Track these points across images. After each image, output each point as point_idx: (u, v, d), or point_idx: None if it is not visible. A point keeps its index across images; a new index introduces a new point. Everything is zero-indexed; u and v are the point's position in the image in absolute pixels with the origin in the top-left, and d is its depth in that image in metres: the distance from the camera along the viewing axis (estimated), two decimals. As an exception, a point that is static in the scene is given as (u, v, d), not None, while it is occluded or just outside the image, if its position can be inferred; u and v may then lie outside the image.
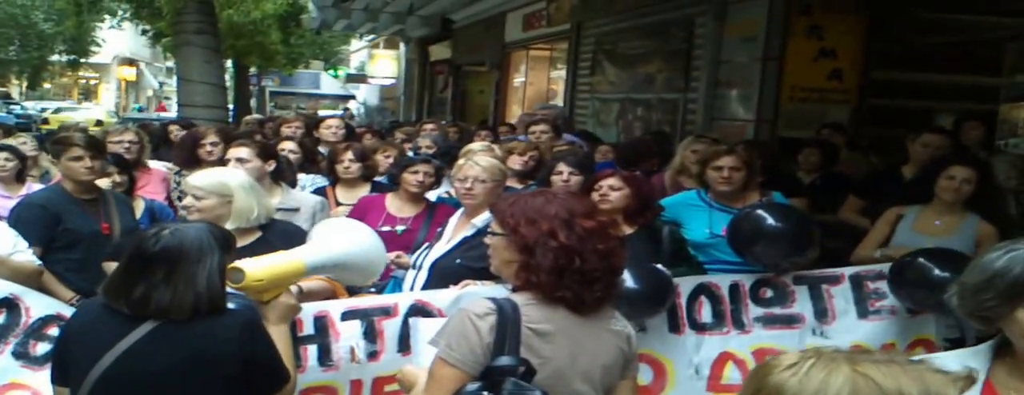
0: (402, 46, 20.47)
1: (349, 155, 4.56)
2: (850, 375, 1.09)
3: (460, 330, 1.83)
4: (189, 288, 1.95)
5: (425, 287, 3.10)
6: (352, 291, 3.65)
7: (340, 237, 2.53)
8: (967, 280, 1.55)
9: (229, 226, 2.93)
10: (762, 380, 1.16)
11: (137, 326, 1.94)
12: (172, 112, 26.82)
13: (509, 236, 1.92)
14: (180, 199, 4.51)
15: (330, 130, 5.91)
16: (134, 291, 1.95)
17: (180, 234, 2.00)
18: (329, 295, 2.89)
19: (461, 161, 3.50)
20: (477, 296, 2.35)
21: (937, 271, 2.91)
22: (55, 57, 30.89)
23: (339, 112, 21.22)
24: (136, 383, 1.94)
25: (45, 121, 23.41)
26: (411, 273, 3.28)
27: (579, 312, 1.88)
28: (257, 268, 2.23)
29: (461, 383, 1.78)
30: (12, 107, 27.48)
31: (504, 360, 1.77)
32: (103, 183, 3.79)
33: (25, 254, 3.13)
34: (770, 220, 3.19)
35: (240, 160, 3.85)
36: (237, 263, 2.19)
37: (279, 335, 2.21)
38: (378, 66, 23.84)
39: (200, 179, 3.00)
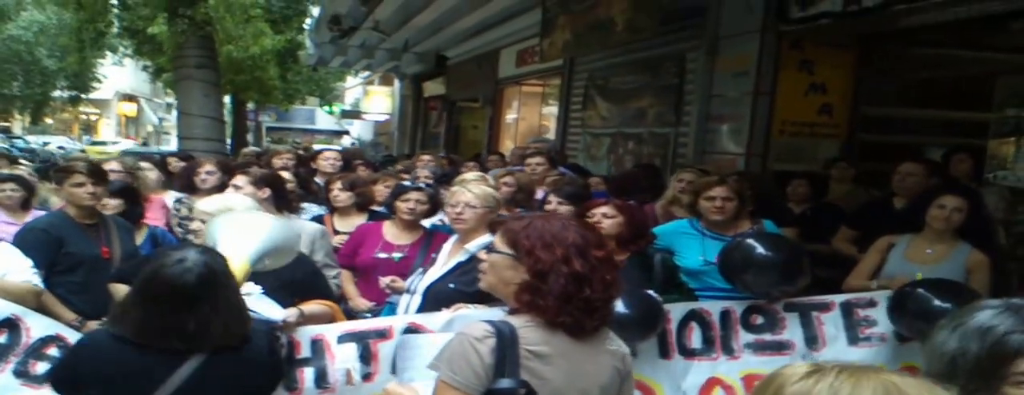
0: (396, 82, 20.69)
1: (338, 185, 4.66)
2: (880, 383, 1.07)
3: (461, 353, 1.84)
4: (236, 313, 1.96)
5: (419, 311, 3.13)
6: (350, 315, 3.70)
7: (253, 227, 2.55)
8: (932, 371, 1.46)
9: None
10: (777, 393, 1.12)
11: (183, 360, 1.92)
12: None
13: (522, 258, 1.91)
14: (180, 226, 4.59)
15: (328, 162, 6.00)
16: (186, 326, 1.91)
17: (204, 262, 1.97)
18: (329, 319, 2.94)
19: (454, 188, 3.56)
20: (470, 319, 2.38)
21: (937, 301, 2.94)
22: (57, 93, 31.11)
23: (337, 147, 21.34)
24: None
25: (82, 151, 24.34)
26: (405, 297, 3.32)
27: (577, 337, 1.90)
28: None
29: None
30: (15, 141, 27.63)
31: (505, 382, 1.79)
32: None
33: (23, 274, 3.18)
34: (760, 249, 3.22)
35: (236, 187, 3.96)
36: None
37: None
38: (373, 102, 24.08)
39: (209, 205, 3.08)
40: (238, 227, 2.55)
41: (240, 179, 4.07)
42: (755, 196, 4.15)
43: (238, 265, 2.33)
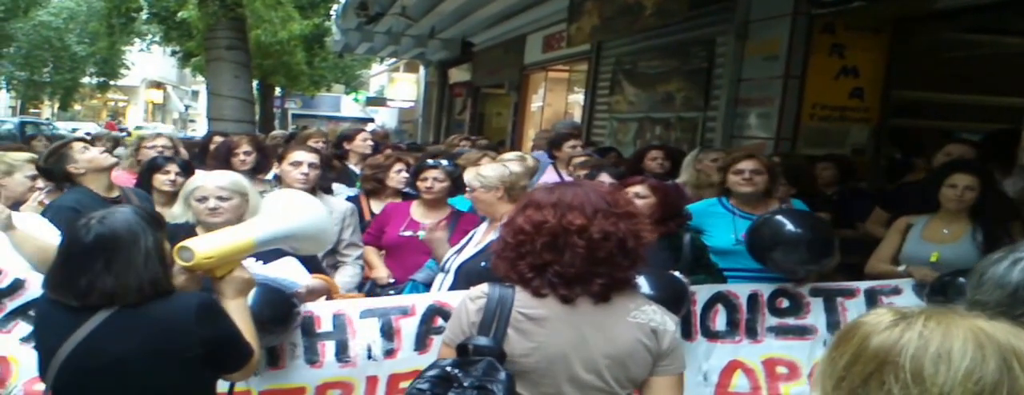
0: (422, 69, 20.72)
1: (401, 167, 4.56)
2: (969, 330, 1.04)
3: (456, 312, 2.00)
4: (130, 272, 1.95)
5: (452, 289, 3.14)
6: (371, 293, 3.73)
7: (286, 209, 2.51)
8: (984, 299, 1.49)
9: None
10: (863, 342, 1.08)
11: (90, 316, 1.95)
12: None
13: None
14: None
15: (365, 143, 6.00)
16: (78, 283, 1.95)
17: (109, 221, 1.99)
18: (325, 292, 2.91)
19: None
20: None
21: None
22: (86, 79, 31.51)
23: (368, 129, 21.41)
24: (98, 371, 1.95)
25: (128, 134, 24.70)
26: (440, 276, 3.35)
27: (566, 302, 1.91)
28: (206, 246, 2.21)
29: (439, 359, 1.91)
30: (43, 128, 27.99)
31: (478, 341, 1.86)
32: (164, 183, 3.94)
33: (53, 236, 3.08)
34: (789, 226, 3.18)
35: (311, 166, 3.85)
36: (185, 242, 2.18)
37: (237, 309, 2.20)
38: (397, 89, 24.13)
39: (220, 180, 2.97)
40: (276, 205, 2.53)
41: (313, 157, 3.90)
42: (787, 174, 4.09)
43: (241, 239, 2.29)
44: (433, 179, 4.03)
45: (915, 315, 1.08)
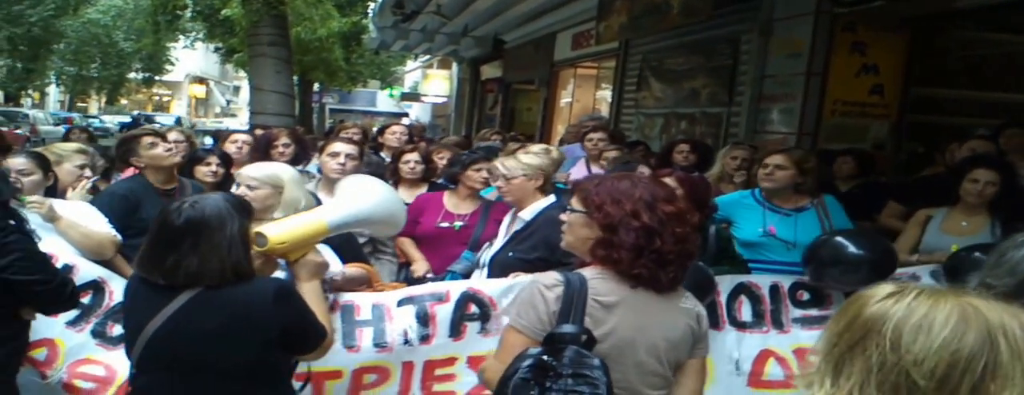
0: (455, 66, 20.98)
1: (415, 156, 4.75)
2: (957, 304, 1.07)
3: (529, 300, 1.96)
4: (214, 255, 2.02)
5: (489, 281, 3.24)
6: (409, 281, 3.88)
7: (358, 194, 2.56)
8: (994, 283, 1.52)
9: (277, 215, 3.01)
10: (857, 312, 1.14)
11: (177, 295, 2.03)
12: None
13: (593, 214, 1.98)
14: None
15: (394, 136, 6.10)
16: (165, 262, 2.03)
17: (200, 205, 2.07)
18: (365, 281, 2.97)
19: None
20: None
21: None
22: (132, 74, 32.36)
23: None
24: (181, 346, 2.04)
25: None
26: (478, 272, 3.50)
27: (653, 289, 1.95)
28: (279, 231, 2.26)
29: (528, 348, 1.90)
30: (90, 121, 28.80)
31: (567, 328, 1.86)
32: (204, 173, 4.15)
33: (103, 226, 3.22)
34: (852, 247, 3.15)
35: (349, 156, 4.04)
36: (259, 228, 2.23)
37: (311, 292, 2.27)
38: (431, 85, 24.46)
39: (255, 170, 3.06)
40: (348, 190, 2.60)
41: (352, 148, 4.08)
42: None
43: (313, 223, 2.35)
44: (487, 170, 4.15)
45: (910, 289, 1.12)
